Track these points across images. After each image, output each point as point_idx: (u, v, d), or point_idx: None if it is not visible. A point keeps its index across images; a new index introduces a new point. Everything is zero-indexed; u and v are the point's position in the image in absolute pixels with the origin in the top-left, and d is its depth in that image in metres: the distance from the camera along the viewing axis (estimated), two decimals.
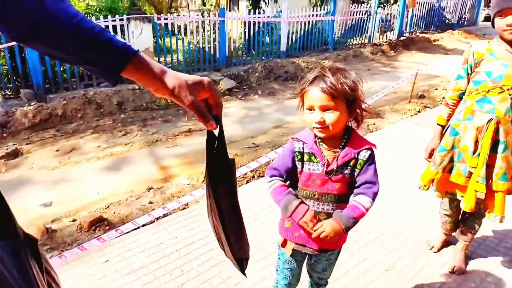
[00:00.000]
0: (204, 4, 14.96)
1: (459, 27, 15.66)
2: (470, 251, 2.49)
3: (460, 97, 2.05)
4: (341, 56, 10.10)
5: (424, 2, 13.80)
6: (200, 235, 2.79)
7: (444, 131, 2.13)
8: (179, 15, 8.57)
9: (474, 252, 2.51)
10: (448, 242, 2.51)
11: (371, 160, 1.41)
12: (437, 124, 2.15)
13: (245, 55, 9.53)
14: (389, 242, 2.65)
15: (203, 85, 0.94)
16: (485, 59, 1.89)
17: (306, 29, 10.42)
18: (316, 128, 1.37)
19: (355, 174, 1.42)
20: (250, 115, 6.11)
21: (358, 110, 1.41)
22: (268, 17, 9.71)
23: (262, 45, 9.64)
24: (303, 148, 1.45)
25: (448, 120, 2.11)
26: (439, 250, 2.47)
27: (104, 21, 6.78)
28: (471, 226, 2.24)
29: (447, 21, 15.57)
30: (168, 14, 8.30)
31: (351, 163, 1.41)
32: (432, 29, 14.45)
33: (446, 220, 2.36)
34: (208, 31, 8.47)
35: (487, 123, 1.88)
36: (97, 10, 7.80)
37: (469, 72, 1.99)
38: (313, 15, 10.36)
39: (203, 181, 3.75)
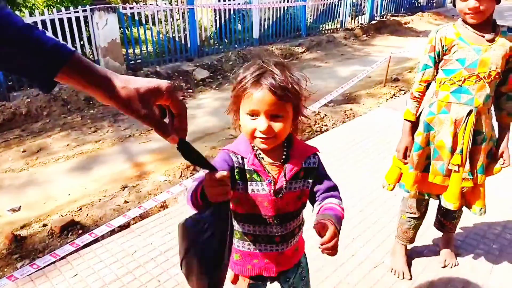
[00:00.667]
0: None
1: (428, 9, 15.86)
2: (460, 241, 2.42)
3: (427, 88, 1.90)
4: (315, 41, 10.02)
5: None
6: (177, 240, 2.60)
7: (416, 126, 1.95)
8: (146, 4, 8.25)
9: (464, 242, 2.45)
10: (409, 258, 2.28)
11: (320, 165, 1.25)
12: (405, 120, 1.93)
13: (217, 44, 9.31)
14: (376, 236, 2.56)
15: (161, 92, 0.76)
16: (455, 45, 1.74)
17: (278, 16, 10.27)
18: (260, 138, 1.11)
19: (308, 185, 1.22)
20: (225, 105, 5.68)
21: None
22: (239, 4, 9.51)
23: (234, 33, 9.44)
24: (243, 164, 1.17)
25: (416, 115, 1.92)
26: (411, 277, 2.17)
27: (67, 13, 6.44)
28: (452, 217, 2.15)
29: (416, 3, 15.73)
30: (134, 4, 7.97)
31: (300, 175, 1.20)
32: (402, 12, 14.57)
33: (410, 225, 2.13)
34: (177, 20, 8.20)
35: (466, 115, 1.75)
36: (59, 2, 7.40)
37: (437, 60, 1.82)
38: (284, 0, 10.21)
39: (180, 176, 3.62)
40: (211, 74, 7.42)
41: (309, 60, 8.74)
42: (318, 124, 4.83)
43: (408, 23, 12.97)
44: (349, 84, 5.71)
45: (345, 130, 4.48)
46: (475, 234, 2.53)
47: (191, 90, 6.64)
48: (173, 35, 8.15)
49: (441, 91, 1.82)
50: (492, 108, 1.87)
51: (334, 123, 4.88)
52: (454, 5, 1.75)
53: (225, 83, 7.08)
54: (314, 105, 4.77)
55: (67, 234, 2.89)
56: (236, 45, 9.33)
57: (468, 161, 1.79)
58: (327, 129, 4.70)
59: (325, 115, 5.07)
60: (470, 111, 1.75)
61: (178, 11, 8.17)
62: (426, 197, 2.02)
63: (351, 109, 5.35)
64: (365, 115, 5.01)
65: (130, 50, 7.64)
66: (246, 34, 9.74)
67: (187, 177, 3.53)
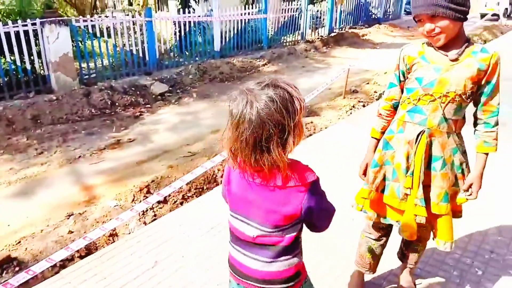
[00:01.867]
0: (130, 4, 14.20)
1: (385, 21, 16.40)
2: (419, 269, 2.27)
3: (395, 107, 1.82)
4: (276, 54, 10.04)
5: None
6: (112, 287, 2.26)
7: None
8: (101, 17, 7.97)
9: (423, 270, 2.29)
10: None
11: None
12: (371, 137, 1.89)
13: (177, 57, 9.12)
14: (337, 267, 2.33)
15: None
16: (416, 64, 1.66)
17: (239, 28, 10.23)
18: None
19: None
20: (185, 121, 5.79)
21: None
22: (199, 16, 9.39)
23: (195, 46, 9.29)
24: None
25: (383, 133, 1.85)
26: None
27: (14, 27, 6.06)
28: (414, 249, 2.01)
29: (373, 15, 16.23)
30: (88, 16, 7.64)
31: None
32: (360, 24, 14.96)
33: (367, 247, 1.98)
34: (135, 32, 7.96)
35: (417, 136, 1.66)
36: (5, 14, 6.98)
37: (401, 79, 1.75)
38: (245, 13, 10.20)
39: (133, 200, 3.40)
40: (170, 88, 7.21)
41: (271, 73, 8.71)
42: None
43: (366, 35, 13.31)
44: (309, 97, 5.69)
45: (305, 147, 4.38)
46: (434, 260, 2.39)
47: (149, 105, 6.41)
48: (131, 48, 7.89)
49: (401, 110, 1.76)
50: (468, 132, 1.76)
51: None
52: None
53: (184, 97, 6.90)
54: None
55: (1, 272, 2.60)
56: (197, 58, 9.19)
57: (421, 186, 1.68)
58: None
59: None
60: (422, 132, 1.66)
61: (134, 23, 7.93)
62: (385, 222, 1.90)
63: (311, 122, 5.31)
64: (326, 130, 4.94)
65: (84, 65, 7.32)
66: (207, 46, 9.62)
67: (140, 201, 3.32)
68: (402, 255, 2.08)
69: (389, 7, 17.45)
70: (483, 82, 1.60)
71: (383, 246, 2.01)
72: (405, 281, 2.11)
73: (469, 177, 1.72)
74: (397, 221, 1.83)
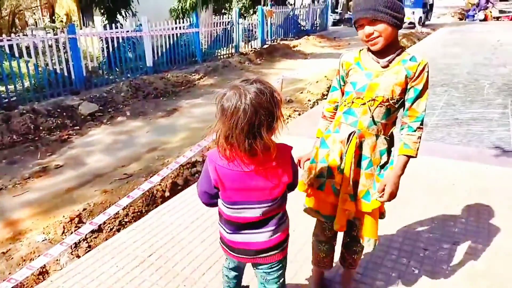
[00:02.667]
0: (53, 22, 13.42)
1: (313, 32, 17.15)
2: (359, 274, 2.30)
3: (337, 109, 1.90)
4: (211, 67, 10.03)
5: (280, 12, 14.74)
6: None
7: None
8: (19, 35, 7.41)
9: (363, 275, 2.31)
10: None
11: None
12: (317, 137, 1.98)
13: (107, 74, 8.74)
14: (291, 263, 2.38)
15: None
16: (352, 69, 1.78)
17: (171, 43, 10.09)
18: None
19: None
20: (119, 141, 5.53)
21: None
22: (128, 31, 9.10)
23: (125, 62, 8.98)
24: None
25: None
26: None
27: None
28: (353, 251, 2.04)
29: (302, 28, 16.91)
30: (4, 36, 7.07)
31: None
32: (290, 36, 15.51)
33: (318, 248, 2.06)
34: (59, 50, 7.50)
35: (349, 136, 1.77)
36: None
37: (341, 83, 1.87)
38: (176, 27, 10.09)
39: (63, 233, 3.14)
40: (100, 108, 6.86)
41: (207, 86, 8.66)
42: None
43: (297, 46, 13.79)
44: None
45: None
46: (373, 263, 2.41)
47: (77, 127, 6.03)
48: (54, 67, 7.42)
49: (338, 111, 1.86)
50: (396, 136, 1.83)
51: None
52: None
53: (117, 116, 6.60)
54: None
55: None
56: (128, 75, 8.88)
57: (351, 183, 1.77)
58: None
59: None
60: (353, 132, 1.75)
61: (56, 41, 7.47)
62: (325, 220, 1.92)
63: None
64: None
65: (3, 88, 6.74)
66: (139, 62, 9.34)
67: (71, 232, 3.07)
68: (343, 259, 2.13)
69: (316, 20, 18.30)
70: (408, 87, 1.69)
71: (332, 245, 2.06)
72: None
73: (384, 178, 1.75)
74: (328, 215, 1.89)
